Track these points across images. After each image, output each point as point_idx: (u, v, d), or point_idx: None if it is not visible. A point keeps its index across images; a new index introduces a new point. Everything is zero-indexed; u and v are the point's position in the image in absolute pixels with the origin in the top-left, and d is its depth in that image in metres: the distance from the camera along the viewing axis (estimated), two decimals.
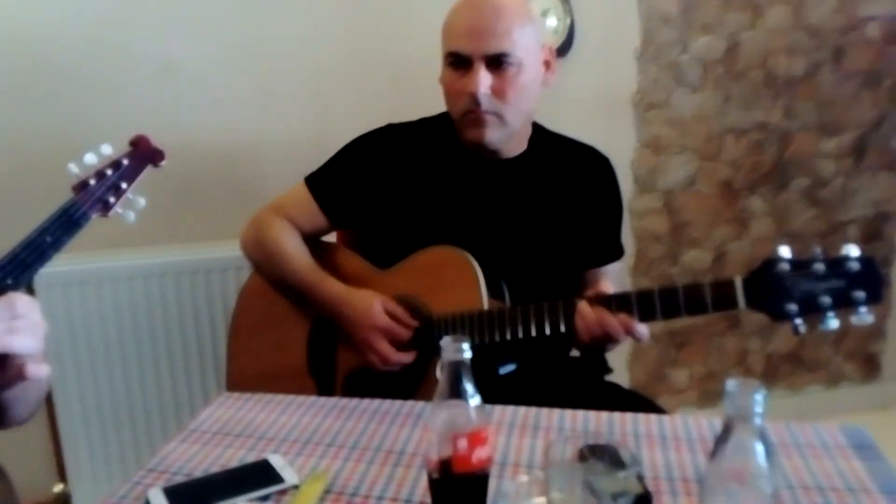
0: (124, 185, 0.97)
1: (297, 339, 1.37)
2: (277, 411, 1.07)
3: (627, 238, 2.24)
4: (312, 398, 1.11)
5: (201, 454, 0.95)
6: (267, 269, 1.40)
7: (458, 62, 1.27)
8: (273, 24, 1.91)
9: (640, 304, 1.13)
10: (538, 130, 1.42)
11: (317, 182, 1.42)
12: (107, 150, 0.99)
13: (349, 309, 1.29)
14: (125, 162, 0.99)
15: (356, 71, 1.97)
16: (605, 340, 1.15)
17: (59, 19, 1.80)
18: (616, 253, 1.44)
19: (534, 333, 1.19)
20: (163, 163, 1.06)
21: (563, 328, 1.17)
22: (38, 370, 0.80)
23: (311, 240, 1.43)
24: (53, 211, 0.91)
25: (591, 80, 2.11)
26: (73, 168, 0.95)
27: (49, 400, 1.86)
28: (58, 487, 1.97)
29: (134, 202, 1.00)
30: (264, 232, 1.39)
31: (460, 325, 1.23)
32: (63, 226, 0.91)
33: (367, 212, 1.40)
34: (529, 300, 1.28)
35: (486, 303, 1.24)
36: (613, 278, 1.39)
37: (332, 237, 1.52)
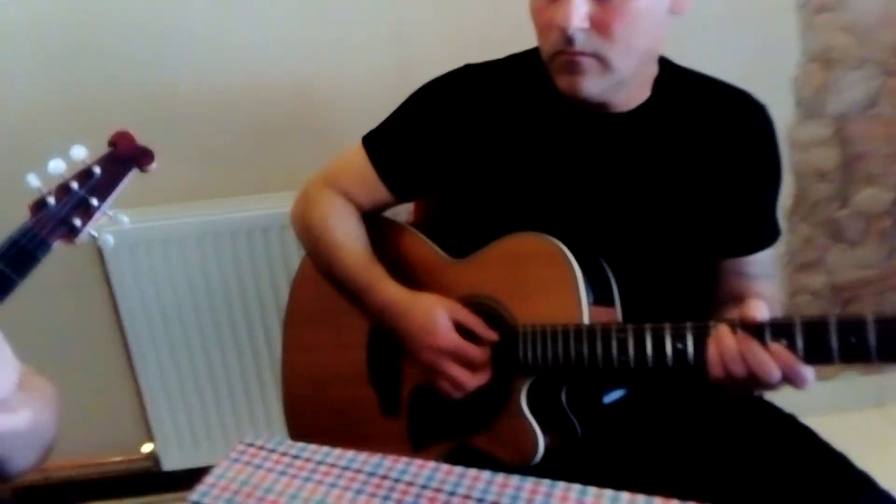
0: (95, 202, 0.74)
1: (356, 339, 1.13)
2: (301, 478, 0.83)
3: (785, 175, 1.83)
4: (350, 460, 0.86)
5: None
6: (315, 257, 1.15)
7: None
8: None
9: (808, 337, 0.78)
10: (667, 70, 1.05)
11: (376, 143, 1.13)
12: (79, 153, 0.76)
13: (408, 322, 1.01)
14: (97, 171, 0.76)
15: None
16: (749, 382, 0.82)
17: None
18: (767, 236, 1.07)
19: (650, 363, 0.88)
20: (152, 166, 0.82)
21: (690, 359, 0.85)
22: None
23: (372, 216, 1.15)
24: (2, 242, 0.69)
25: None
26: (33, 181, 0.72)
27: (129, 361, 1.77)
28: (146, 447, 1.92)
29: (114, 219, 0.77)
30: (311, 211, 1.14)
31: (552, 341, 0.94)
32: (15, 261, 0.69)
33: (437, 181, 1.10)
34: (647, 303, 0.97)
35: (586, 314, 0.94)
36: (768, 273, 1.05)
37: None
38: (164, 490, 1.96)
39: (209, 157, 1.73)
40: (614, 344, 0.90)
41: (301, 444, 0.90)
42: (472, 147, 1.06)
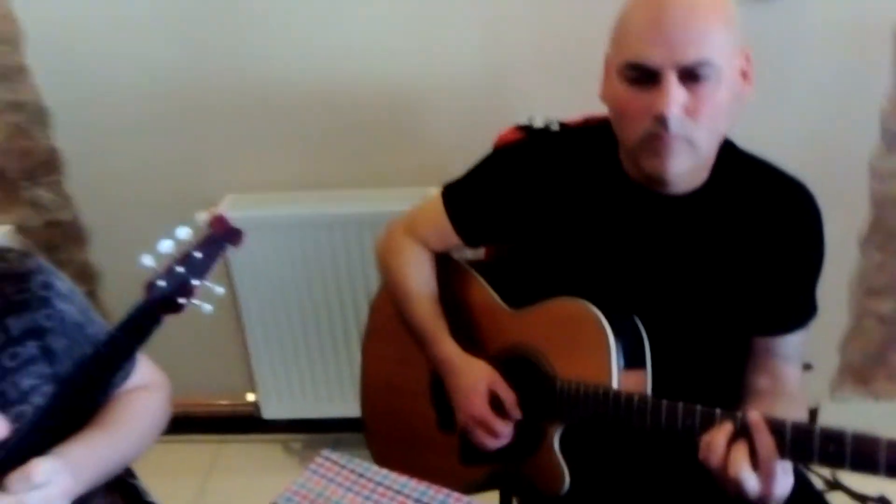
0: (196, 282, 0.91)
1: (422, 361, 1.31)
2: (363, 496, 1.04)
3: (863, 202, 1.86)
4: (403, 485, 1.05)
5: None
6: (390, 293, 1.33)
7: (641, 76, 0.99)
8: None
9: (794, 440, 0.90)
10: (728, 155, 1.12)
11: (453, 196, 1.28)
12: (183, 233, 0.92)
13: (456, 381, 1.20)
14: (197, 254, 0.91)
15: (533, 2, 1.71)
16: (721, 480, 0.94)
17: None
18: (801, 317, 1.15)
19: (664, 432, 1.02)
20: (242, 243, 0.98)
21: (697, 435, 0.99)
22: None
23: (445, 258, 1.31)
24: (121, 319, 0.88)
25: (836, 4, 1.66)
26: (147, 261, 0.89)
27: (239, 325, 2.02)
28: (250, 397, 2.19)
29: (210, 292, 0.93)
30: (393, 259, 1.31)
31: (583, 400, 1.09)
32: (132, 335, 0.87)
33: (504, 236, 1.25)
34: (678, 368, 1.10)
35: (615, 378, 1.08)
36: (795, 355, 1.14)
37: None
38: (262, 432, 2.26)
39: (312, 151, 1.91)
40: (636, 411, 1.04)
41: (366, 465, 1.10)
42: (537, 210, 1.19)
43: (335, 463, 1.10)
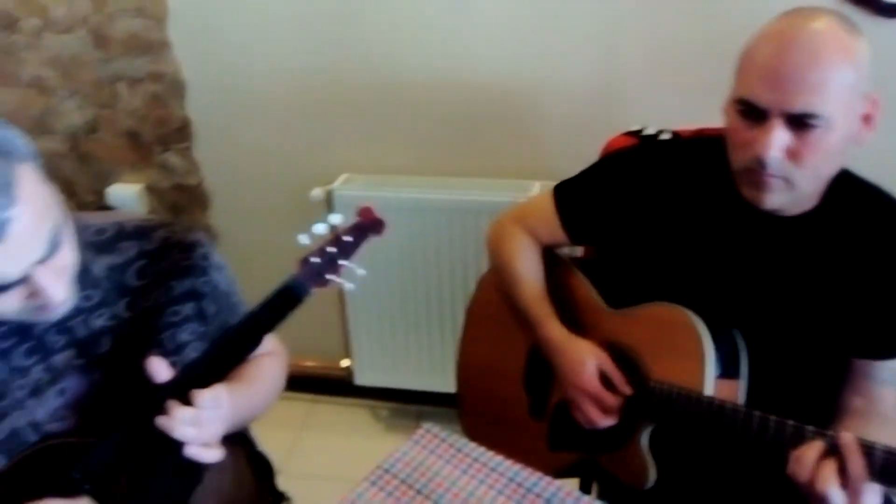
0: (343, 262, 1.01)
1: (519, 345, 1.39)
2: (460, 469, 1.12)
3: None
4: (498, 464, 1.14)
5: None
6: (498, 279, 1.40)
7: (751, 112, 1.03)
8: None
9: (884, 464, 0.93)
10: (842, 182, 1.13)
11: (564, 195, 1.34)
12: (335, 219, 1.02)
13: (563, 359, 1.25)
14: (346, 238, 1.02)
15: (654, 10, 1.74)
16: (808, 494, 0.98)
17: None
18: (892, 347, 1.15)
19: (752, 443, 1.06)
20: (384, 233, 1.07)
21: (783, 451, 1.03)
22: (202, 456, 0.91)
23: (550, 253, 1.38)
24: (277, 287, 0.99)
25: None
26: (303, 239, 1.00)
27: (341, 291, 2.14)
28: (344, 363, 2.32)
29: (352, 272, 1.04)
30: (503, 245, 1.38)
31: (675, 402, 1.15)
32: (284, 301, 0.98)
33: (609, 238, 1.30)
34: (775, 384, 1.14)
35: (709, 385, 1.13)
36: (892, 378, 1.15)
37: None
38: (352, 396, 2.39)
39: (424, 139, 2.00)
40: (726, 419, 1.09)
41: (464, 441, 1.19)
42: (645, 216, 1.24)
43: (436, 436, 1.20)
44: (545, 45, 1.82)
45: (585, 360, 1.22)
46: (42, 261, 0.84)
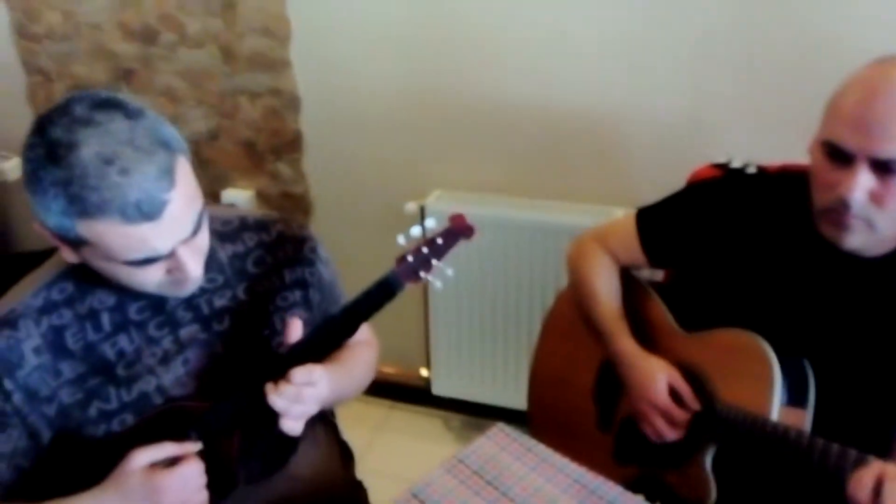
0: (434, 262, 1.11)
1: (591, 360, 1.46)
2: (529, 467, 1.20)
3: None
4: (564, 465, 1.21)
5: (453, 494, 1.15)
6: (576, 292, 1.48)
7: (837, 154, 1.09)
8: None
9: None
10: None
11: (646, 219, 1.41)
12: (430, 223, 1.13)
13: (635, 373, 1.32)
14: (439, 241, 1.12)
15: (743, 48, 1.80)
16: None
17: None
18: None
19: (815, 470, 1.11)
20: (474, 237, 1.17)
21: (843, 478, 1.07)
22: (292, 428, 1.02)
23: (626, 275, 1.45)
24: (377, 279, 1.10)
25: None
26: (401, 240, 1.12)
27: (426, 302, 2.26)
28: (423, 372, 2.43)
29: (442, 272, 1.14)
30: (583, 261, 1.46)
31: (742, 424, 1.20)
32: (381, 292, 1.09)
33: (688, 263, 1.37)
34: (840, 416, 1.18)
35: (775, 411, 1.18)
36: None
37: None
38: (427, 405, 2.50)
39: (515, 161, 2.11)
40: (791, 445, 1.13)
41: (534, 441, 1.27)
42: (725, 245, 1.30)
43: (507, 435, 1.28)
44: (637, 73, 1.90)
45: (656, 375, 1.29)
46: (186, 240, 0.98)
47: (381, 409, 2.56)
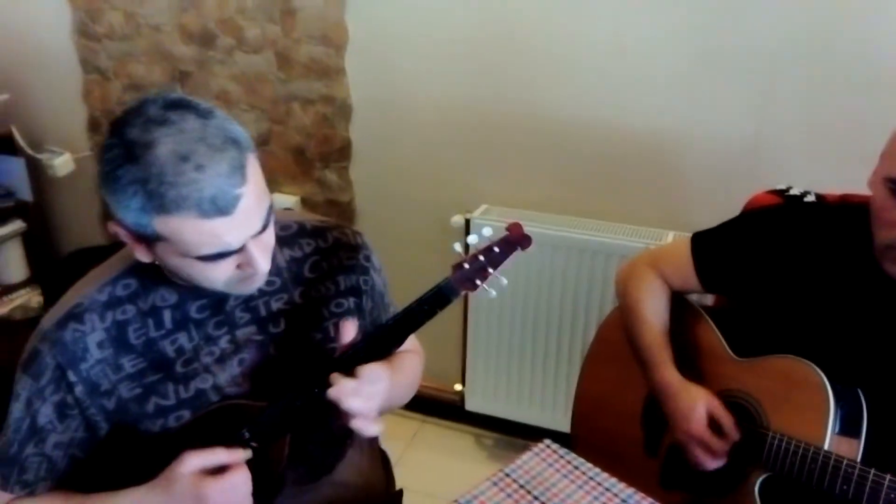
0: (491, 270, 1.11)
1: (639, 386, 1.44)
2: (577, 484, 1.19)
3: None
4: (612, 485, 1.20)
5: None
6: (624, 316, 1.47)
7: None
8: (731, 3, 1.80)
9: None
10: None
11: (702, 243, 1.40)
12: (487, 232, 1.13)
13: (674, 405, 1.31)
14: (496, 250, 1.11)
15: (810, 69, 1.79)
16: None
17: (526, 4, 1.96)
18: None
19: (865, 502, 1.08)
20: (530, 247, 1.17)
21: None
22: (363, 428, 1.02)
23: (679, 299, 1.44)
24: (432, 286, 1.10)
25: None
26: (457, 247, 1.12)
27: (465, 322, 2.26)
28: (458, 387, 2.42)
29: (497, 281, 1.14)
30: (633, 285, 1.45)
31: (793, 454, 1.18)
32: (437, 299, 1.09)
33: (742, 290, 1.35)
34: (893, 446, 1.15)
35: (828, 440, 1.16)
36: None
37: None
38: (462, 422, 2.49)
39: (565, 180, 2.11)
40: (842, 476, 1.11)
41: (581, 459, 1.25)
42: (781, 273, 1.28)
43: (555, 452, 1.27)
44: (697, 96, 1.89)
45: (696, 407, 1.28)
46: (255, 235, 0.99)
47: (413, 423, 2.55)
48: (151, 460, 1.02)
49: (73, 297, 1.07)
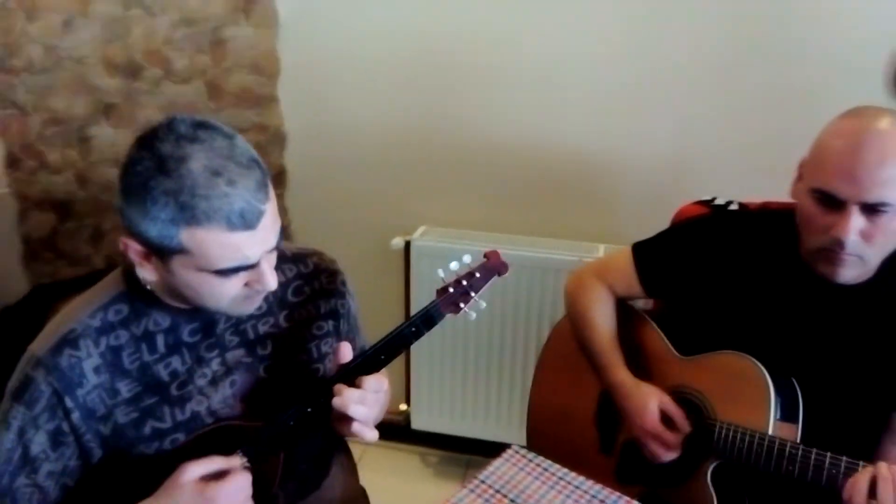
0: (473, 294, 1.19)
1: (591, 390, 1.53)
2: (548, 485, 1.26)
3: None
4: (580, 483, 1.27)
5: None
6: (574, 324, 1.55)
7: (828, 201, 1.21)
8: (653, 31, 1.94)
9: None
10: (891, 257, 1.29)
11: (643, 252, 1.50)
12: (466, 259, 1.20)
13: (628, 403, 1.40)
14: (477, 275, 1.19)
15: (726, 89, 1.94)
16: None
17: (458, 26, 2.05)
18: None
19: (810, 479, 1.20)
20: (506, 273, 1.25)
21: (838, 484, 1.16)
22: (365, 433, 1.08)
23: (624, 305, 1.54)
24: (420, 309, 1.16)
25: None
26: (441, 273, 1.18)
27: None
28: (402, 407, 2.45)
29: (477, 304, 1.21)
30: (582, 294, 1.54)
31: (740, 440, 1.28)
32: (425, 321, 1.16)
33: (682, 293, 1.46)
34: (826, 429, 1.27)
35: (771, 427, 1.27)
36: None
37: None
38: (408, 442, 2.51)
39: (500, 199, 2.19)
40: (787, 456, 1.22)
41: (549, 462, 1.32)
42: (717, 276, 1.40)
43: (524, 456, 1.33)
44: (624, 117, 2.02)
45: (648, 403, 1.37)
46: (269, 252, 1.02)
47: (357, 448, 2.54)
48: (144, 484, 1.02)
49: (64, 324, 1.07)
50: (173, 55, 2.23)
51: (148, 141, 0.96)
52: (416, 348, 2.29)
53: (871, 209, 1.17)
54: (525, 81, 2.05)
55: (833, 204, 1.20)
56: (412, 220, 2.23)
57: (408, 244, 2.17)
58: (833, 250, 1.22)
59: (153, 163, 0.94)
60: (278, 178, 2.31)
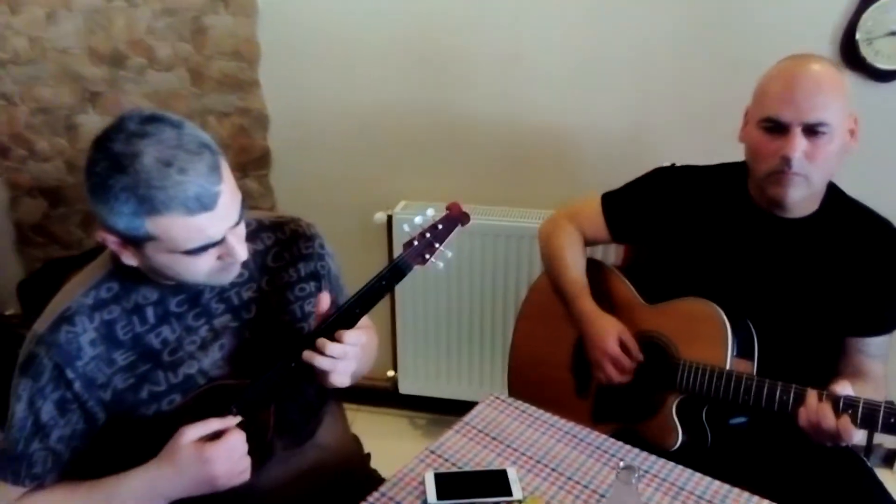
0: (437, 245, 1.28)
1: (567, 338, 1.65)
2: (526, 423, 1.38)
3: None
4: (556, 421, 1.39)
5: (465, 449, 1.31)
6: (548, 264, 1.69)
7: (774, 128, 1.35)
8: (612, 11, 2.05)
9: (864, 415, 1.20)
10: (834, 194, 1.46)
11: (611, 200, 1.64)
12: (430, 212, 1.29)
13: (592, 328, 1.54)
14: (440, 227, 1.28)
15: (684, 66, 2.07)
16: (817, 434, 1.26)
17: (429, 7, 2.14)
18: (887, 325, 1.45)
19: (763, 405, 1.33)
20: (469, 223, 1.34)
21: (789, 408, 1.29)
22: (337, 380, 1.18)
23: (594, 262, 1.66)
24: (389, 263, 1.26)
25: None
26: (406, 228, 1.28)
27: (392, 308, 2.41)
28: (390, 373, 2.56)
29: (443, 254, 1.31)
30: (555, 234, 1.68)
31: (701, 375, 1.41)
32: (394, 274, 1.25)
33: (645, 238, 1.60)
34: (782, 361, 1.40)
35: (729, 363, 1.40)
36: (881, 354, 1.44)
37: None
38: (397, 407, 2.64)
39: (474, 172, 2.30)
40: (743, 387, 1.35)
41: (526, 404, 1.44)
42: (676, 221, 1.54)
43: (503, 401, 1.45)
44: (586, 92, 2.14)
45: (609, 330, 1.51)
46: (233, 227, 1.11)
47: (347, 413, 2.66)
48: (148, 443, 1.13)
49: (61, 303, 1.16)
50: (156, 44, 2.31)
51: (102, 142, 1.03)
52: (400, 317, 2.40)
53: (812, 131, 1.32)
54: (495, 61, 2.16)
55: (778, 129, 1.35)
56: (393, 196, 2.33)
57: (390, 218, 2.27)
58: (782, 171, 1.35)
59: (109, 162, 1.01)
60: (263, 160, 2.40)
